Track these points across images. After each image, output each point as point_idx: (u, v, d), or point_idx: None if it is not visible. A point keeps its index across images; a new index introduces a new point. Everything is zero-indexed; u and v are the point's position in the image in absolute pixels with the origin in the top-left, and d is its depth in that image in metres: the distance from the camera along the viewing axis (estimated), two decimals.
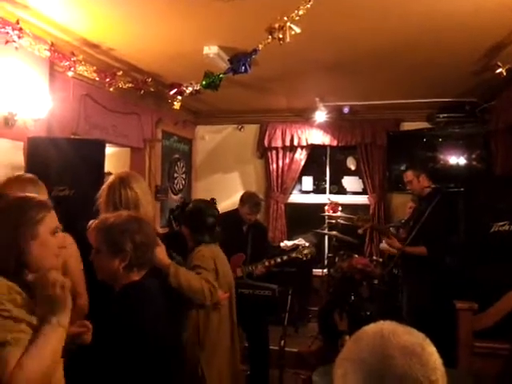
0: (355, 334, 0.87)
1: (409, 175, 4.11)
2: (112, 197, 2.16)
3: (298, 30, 2.38)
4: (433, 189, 3.95)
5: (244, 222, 3.97)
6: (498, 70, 3.48)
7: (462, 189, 3.86)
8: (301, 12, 2.25)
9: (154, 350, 1.67)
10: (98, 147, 3.18)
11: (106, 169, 3.32)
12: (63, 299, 1.36)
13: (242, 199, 3.98)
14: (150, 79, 3.96)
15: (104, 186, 2.23)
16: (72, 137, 3.66)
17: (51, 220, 1.48)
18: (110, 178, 2.27)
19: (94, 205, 2.25)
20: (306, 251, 4.06)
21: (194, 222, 2.69)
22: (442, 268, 3.79)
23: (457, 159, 5.36)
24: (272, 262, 3.89)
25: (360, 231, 4.77)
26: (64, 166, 2.92)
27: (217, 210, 2.82)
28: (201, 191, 6.23)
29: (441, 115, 5.37)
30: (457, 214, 3.78)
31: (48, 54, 3.18)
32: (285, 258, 3.99)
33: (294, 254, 4.06)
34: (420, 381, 0.78)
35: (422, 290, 3.75)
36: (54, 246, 1.47)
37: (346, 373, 0.82)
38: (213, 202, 3.25)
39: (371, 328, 0.86)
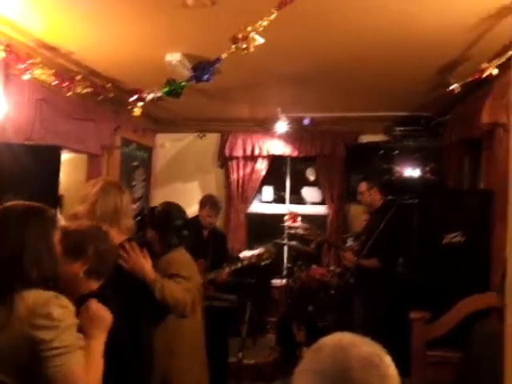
0: (314, 346, 0.87)
1: (362, 186, 4.22)
2: (104, 200, 2.07)
3: (261, 40, 2.39)
4: (386, 201, 4.07)
5: (204, 227, 3.95)
6: (452, 87, 3.61)
7: (416, 201, 3.97)
8: (264, 23, 2.26)
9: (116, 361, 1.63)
10: (54, 153, 3.07)
11: (61, 175, 3.21)
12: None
13: (202, 202, 4.00)
14: (109, 85, 3.88)
15: (95, 190, 2.12)
16: (26, 142, 3.52)
17: None
18: (100, 183, 2.16)
19: None
20: (265, 255, 4.05)
21: (163, 223, 2.63)
22: (395, 278, 3.88)
23: (412, 171, 5.52)
24: (233, 267, 3.86)
25: (312, 246, 4.84)
26: (17, 173, 2.80)
27: (185, 212, 2.77)
28: (160, 199, 6.02)
29: (397, 128, 5.53)
30: (411, 225, 3.89)
31: (3, 55, 3.06)
32: (245, 262, 3.96)
33: (254, 259, 4.04)
34: None
35: (375, 300, 3.83)
36: None
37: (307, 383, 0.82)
38: None
39: (331, 339, 0.87)
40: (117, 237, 2.08)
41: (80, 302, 1.68)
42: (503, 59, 2.92)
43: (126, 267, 2.15)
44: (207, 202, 4.00)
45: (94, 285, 1.74)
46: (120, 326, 1.71)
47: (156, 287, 2.25)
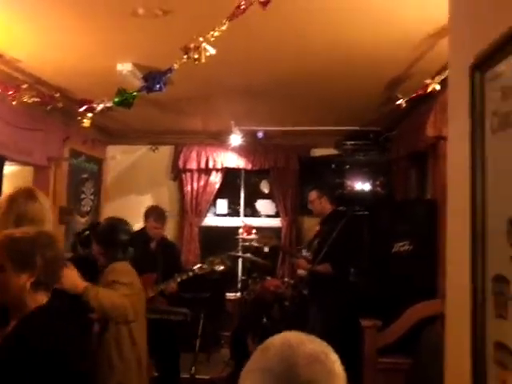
0: (262, 345, 0.88)
1: (312, 195, 4.30)
2: (16, 208, 1.98)
3: (213, 51, 2.39)
4: (337, 211, 4.15)
5: (151, 239, 3.88)
6: (398, 102, 3.75)
7: (365, 212, 4.07)
8: (216, 33, 2.28)
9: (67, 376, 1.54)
10: None
11: (4, 187, 3.07)
12: None
13: (146, 214, 3.94)
14: (57, 94, 3.76)
15: (2, 198, 2.05)
16: None
17: None
18: (12, 191, 2.09)
19: None
20: (216, 261, 4.00)
21: (107, 238, 2.61)
22: (348, 288, 3.95)
23: (362, 185, 5.67)
24: (184, 276, 3.79)
25: (266, 249, 4.85)
26: None
27: (130, 226, 2.74)
28: (111, 213, 5.90)
29: (348, 142, 5.67)
30: (362, 236, 3.98)
31: None
32: (196, 270, 3.89)
33: (205, 266, 3.98)
34: None
35: (329, 310, 3.87)
36: None
37: (254, 382, 0.82)
38: None
39: (278, 338, 0.88)
40: None
41: (29, 318, 1.59)
42: (444, 76, 3.07)
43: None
44: (151, 213, 3.94)
45: (43, 297, 1.62)
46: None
47: (89, 295, 2.16)
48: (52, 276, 1.65)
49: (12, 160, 4.14)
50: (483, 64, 0.95)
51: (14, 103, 3.45)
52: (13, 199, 2.03)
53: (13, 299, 1.60)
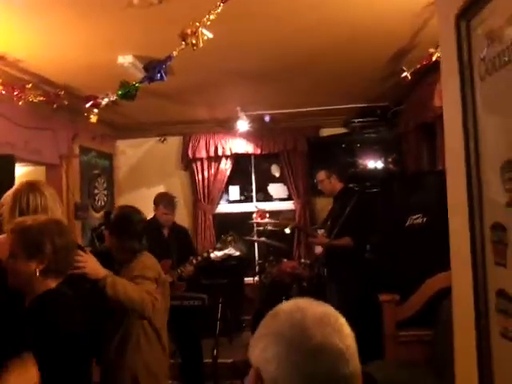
0: (271, 312, 0.90)
1: (321, 175, 4.29)
2: (19, 201, 2.01)
3: (210, 35, 2.39)
4: (345, 188, 4.14)
5: (163, 226, 3.92)
6: (404, 74, 3.70)
7: (376, 189, 4.05)
8: (212, 17, 2.27)
9: (75, 359, 1.58)
10: (7, 163, 2.98)
11: None
12: None
13: (155, 201, 3.97)
14: (62, 92, 3.79)
15: (9, 192, 2.09)
16: None
17: None
18: (16, 185, 2.14)
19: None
20: (229, 239, 4.04)
21: (124, 230, 2.53)
22: (365, 263, 3.95)
23: (375, 163, 5.63)
24: (199, 258, 3.83)
25: (288, 230, 4.87)
26: None
27: (143, 214, 2.71)
28: None
29: (356, 120, 5.63)
30: (374, 211, 3.96)
31: None
32: (211, 251, 3.95)
33: (219, 245, 4.02)
34: (338, 346, 0.82)
35: (347, 286, 3.89)
36: None
37: (266, 346, 0.84)
38: None
39: (287, 304, 0.90)
40: None
41: (38, 300, 1.63)
42: None
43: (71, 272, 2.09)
44: (161, 200, 3.97)
45: (52, 283, 1.66)
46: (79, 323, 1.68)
47: (107, 283, 2.18)
48: (63, 263, 1.67)
49: (23, 160, 4.21)
50: (467, 12, 0.95)
51: (20, 103, 3.51)
52: (16, 193, 2.06)
53: (23, 285, 1.65)
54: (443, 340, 2.97)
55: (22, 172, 4.75)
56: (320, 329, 0.82)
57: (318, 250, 4.57)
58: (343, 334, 0.84)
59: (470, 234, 1.04)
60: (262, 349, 0.85)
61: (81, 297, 1.78)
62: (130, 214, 2.61)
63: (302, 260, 5.34)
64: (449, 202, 1.27)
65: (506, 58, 0.82)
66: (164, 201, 3.95)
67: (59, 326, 1.58)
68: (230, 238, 4.04)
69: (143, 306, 2.30)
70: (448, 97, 1.14)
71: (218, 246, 4.01)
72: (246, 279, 5.72)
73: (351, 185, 4.33)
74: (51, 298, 1.63)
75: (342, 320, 0.87)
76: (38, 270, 1.62)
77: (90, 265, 2.17)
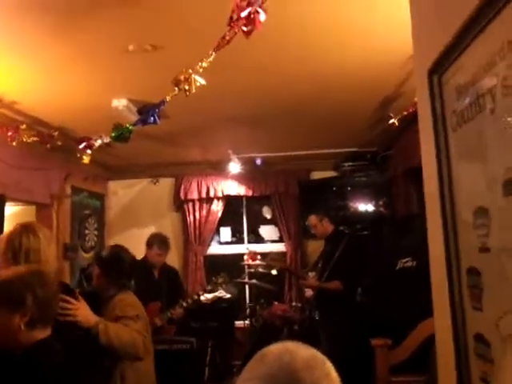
0: (257, 355, 0.88)
1: (312, 219, 4.31)
2: (11, 244, 2.02)
3: (203, 81, 2.47)
4: (336, 230, 4.16)
5: (154, 266, 3.88)
6: (391, 121, 3.81)
7: (366, 232, 4.08)
8: (204, 64, 2.35)
9: None
10: None
11: (7, 228, 3.11)
12: None
13: (148, 242, 3.94)
14: (56, 133, 3.85)
15: (3, 235, 2.09)
16: None
17: None
18: (12, 227, 2.14)
19: None
20: (220, 280, 4.01)
21: (114, 267, 2.58)
22: (355, 306, 3.92)
23: (365, 206, 5.68)
24: (189, 300, 3.78)
25: (274, 271, 4.84)
26: None
27: (132, 254, 2.76)
28: None
29: (346, 164, 5.72)
30: (365, 254, 3.97)
31: None
32: (201, 294, 3.90)
33: (209, 287, 3.99)
34: None
35: (338, 329, 3.84)
36: None
37: None
38: None
39: (274, 346, 0.88)
40: None
41: (28, 353, 1.59)
42: None
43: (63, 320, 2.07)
44: (154, 240, 3.94)
45: (39, 334, 1.62)
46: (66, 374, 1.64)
47: (99, 330, 2.16)
48: (47, 312, 1.64)
49: (14, 200, 4.20)
50: (438, 68, 1.01)
51: (14, 144, 3.55)
52: (10, 235, 2.07)
53: (7, 340, 1.60)
54: None
55: (12, 211, 4.73)
56: (309, 372, 0.82)
57: (308, 292, 4.54)
58: (331, 377, 0.84)
59: (448, 279, 1.06)
60: None
61: (71, 345, 1.75)
62: (122, 253, 2.67)
63: (294, 303, 5.30)
64: (429, 246, 1.30)
65: (474, 111, 0.88)
66: (158, 241, 3.93)
67: (47, 379, 1.54)
68: (220, 280, 4.02)
69: (136, 348, 2.29)
70: (424, 146, 1.19)
71: (209, 287, 3.99)
72: (236, 322, 5.62)
73: (341, 227, 4.35)
74: (39, 350, 1.60)
75: (329, 364, 0.87)
76: (22, 323, 1.58)
77: (82, 312, 2.16)
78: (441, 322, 1.18)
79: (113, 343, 2.20)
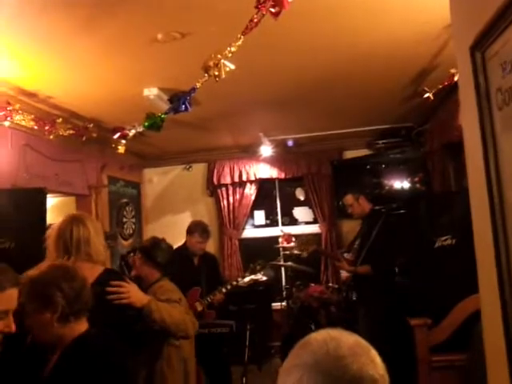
0: (302, 341, 0.88)
1: (349, 199, 4.25)
2: (63, 234, 2.10)
3: (232, 66, 2.45)
4: (373, 209, 4.09)
5: (194, 254, 3.93)
6: (426, 95, 3.70)
7: (403, 210, 4.00)
8: (233, 49, 2.33)
9: None
10: (39, 196, 3.09)
11: (50, 219, 3.22)
12: None
13: (190, 229, 3.96)
14: (91, 125, 3.93)
15: (54, 225, 2.17)
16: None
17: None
18: (62, 217, 2.22)
19: (36, 256, 2.18)
20: (258, 267, 4.05)
21: (154, 255, 2.70)
22: (393, 287, 3.88)
23: (401, 183, 5.57)
24: (229, 286, 3.83)
25: (305, 254, 4.82)
26: (3, 218, 2.80)
27: (170, 245, 2.87)
28: (152, 234, 6.08)
29: (380, 141, 5.61)
30: (402, 233, 3.91)
31: None
32: (240, 280, 3.95)
33: (247, 273, 4.03)
34: (374, 376, 0.82)
35: (376, 310, 3.81)
36: None
37: (302, 377, 0.82)
38: None
39: (318, 333, 0.88)
40: (92, 269, 2.11)
41: (70, 347, 1.64)
42: None
43: (118, 303, 2.14)
44: (196, 228, 3.96)
45: (78, 326, 1.67)
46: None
47: (152, 308, 2.26)
48: (76, 304, 1.67)
49: (54, 192, 4.33)
50: (481, 44, 0.96)
51: (51, 137, 3.65)
52: (60, 226, 2.15)
53: (45, 336, 1.66)
54: (477, 365, 2.87)
55: (53, 203, 4.89)
56: (355, 358, 0.82)
57: (344, 274, 4.53)
58: (377, 363, 0.84)
59: (495, 257, 1.02)
60: (297, 379, 0.82)
61: (121, 328, 1.82)
62: (161, 243, 2.78)
63: (330, 284, 5.29)
64: (474, 223, 1.26)
65: None
66: (199, 229, 3.95)
67: (102, 364, 1.60)
68: (258, 267, 4.05)
69: (187, 326, 2.42)
70: (467, 124, 1.14)
71: (247, 274, 4.01)
72: (273, 304, 5.68)
73: (377, 207, 4.28)
74: (87, 340, 1.66)
75: (373, 350, 0.87)
76: (53, 319, 1.63)
77: (134, 294, 2.24)
78: (488, 301, 1.15)
79: (165, 320, 2.30)
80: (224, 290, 3.79)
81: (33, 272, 1.78)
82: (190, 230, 3.96)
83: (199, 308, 3.64)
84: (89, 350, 1.64)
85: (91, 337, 1.67)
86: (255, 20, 2.10)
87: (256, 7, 2.03)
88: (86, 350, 1.63)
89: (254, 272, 4.02)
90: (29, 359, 1.74)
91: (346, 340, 0.85)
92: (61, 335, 1.65)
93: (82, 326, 1.69)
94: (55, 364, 1.64)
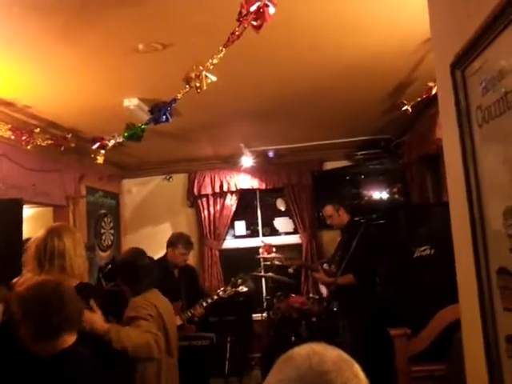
0: (284, 357, 0.87)
1: (328, 210, 4.28)
2: (39, 247, 2.07)
3: (213, 78, 2.46)
4: (352, 220, 4.13)
5: (175, 266, 3.89)
6: (404, 108, 3.77)
7: (382, 221, 4.04)
8: (215, 61, 2.34)
9: None
10: (15, 207, 3.02)
11: (26, 230, 3.15)
12: None
13: (172, 242, 3.91)
14: (69, 135, 3.88)
15: (33, 238, 2.13)
16: None
17: None
18: (39, 233, 2.18)
19: (12, 267, 2.13)
20: (239, 282, 4.03)
21: (127, 274, 2.64)
22: (373, 297, 3.90)
23: (380, 194, 5.63)
24: (209, 300, 3.80)
25: (291, 270, 4.84)
26: None
27: (147, 257, 2.79)
28: (131, 246, 6.02)
29: (359, 153, 5.68)
30: (381, 244, 3.94)
31: None
32: (221, 293, 3.92)
33: (229, 288, 4.00)
34: None
35: (357, 320, 3.83)
36: None
37: None
38: None
39: (301, 348, 0.87)
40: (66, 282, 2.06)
41: (49, 363, 1.64)
42: None
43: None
44: (179, 240, 3.91)
45: (59, 342, 1.68)
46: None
47: (111, 337, 2.20)
48: (55, 324, 1.69)
49: (30, 202, 4.25)
50: (462, 62, 0.97)
51: (28, 147, 3.58)
52: (37, 239, 2.11)
53: (32, 349, 1.71)
54: (455, 375, 2.91)
55: (29, 213, 4.79)
56: (339, 373, 0.81)
57: (323, 290, 4.54)
58: (360, 378, 0.83)
59: (476, 280, 1.04)
60: None
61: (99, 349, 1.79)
62: (135, 258, 2.71)
63: (311, 295, 5.29)
64: (456, 246, 1.27)
65: (502, 108, 0.85)
66: (183, 241, 3.90)
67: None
68: (240, 281, 4.03)
69: (149, 348, 2.32)
70: (448, 143, 1.16)
71: (228, 288, 3.98)
72: (254, 315, 5.65)
73: (357, 218, 4.32)
74: (64, 357, 1.68)
75: (357, 365, 0.86)
76: (28, 337, 1.68)
77: (95, 321, 2.19)
78: (468, 310, 1.16)
79: (126, 347, 2.24)
80: (204, 304, 3.76)
81: (20, 286, 1.77)
82: (173, 242, 3.91)
83: (179, 322, 3.60)
84: (68, 365, 1.65)
85: (70, 354, 1.68)
86: (237, 33, 2.11)
87: (238, 20, 2.04)
88: (64, 366, 1.65)
89: (235, 286, 4.00)
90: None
91: (329, 355, 0.84)
92: (41, 350, 1.68)
93: (64, 342, 1.69)
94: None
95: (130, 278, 2.63)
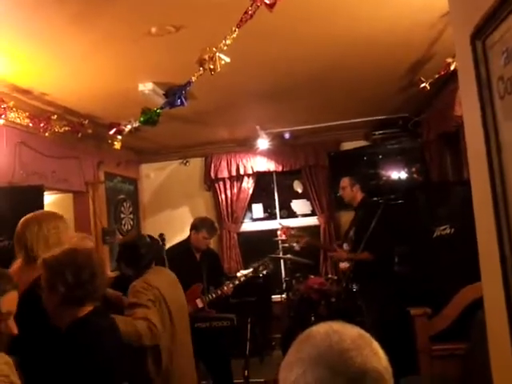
0: (304, 334, 0.86)
1: (344, 182, 4.27)
2: (22, 237, 2.10)
3: (227, 59, 2.43)
4: (367, 198, 4.11)
5: (197, 250, 3.92)
6: (422, 85, 3.69)
7: (400, 201, 4.00)
8: (228, 42, 2.31)
9: None
10: (36, 193, 3.07)
11: None
12: None
13: (196, 225, 3.90)
14: (86, 121, 3.91)
15: (18, 227, 2.17)
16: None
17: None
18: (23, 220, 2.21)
19: None
20: (261, 267, 4.06)
21: (128, 255, 2.69)
22: (393, 277, 3.89)
23: (398, 174, 5.57)
24: (231, 285, 3.83)
25: (297, 247, 4.83)
26: (0, 216, 2.79)
27: (148, 237, 2.82)
28: (150, 230, 6.07)
29: (376, 132, 5.60)
30: (400, 224, 3.91)
31: None
32: (242, 278, 3.95)
33: (251, 273, 4.03)
34: (378, 368, 0.81)
35: (377, 301, 3.82)
36: None
37: (306, 371, 0.80)
38: (161, 237, 3.21)
39: (320, 327, 0.87)
40: (33, 272, 2.03)
41: (67, 332, 1.71)
42: None
43: None
44: (203, 224, 3.91)
45: (79, 311, 1.74)
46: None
47: None
48: (80, 293, 1.73)
49: (51, 189, 4.32)
50: (482, 32, 0.94)
51: (46, 134, 3.62)
52: (25, 225, 2.15)
53: (52, 316, 1.77)
54: (477, 353, 2.89)
55: (50, 200, 4.87)
56: (359, 351, 0.81)
57: (343, 265, 4.53)
58: (380, 356, 0.83)
59: (500, 258, 1.01)
60: (300, 373, 0.81)
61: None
62: (133, 242, 2.74)
63: (329, 275, 5.30)
64: (476, 214, 1.25)
65: None
66: (208, 225, 3.90)
67: (88, 353, 1.65)
68: (261, 267, 4.06)
69: (139, 336, 2.32)
70: (469, 116, 1.13)
71: (250, 273, 4.02)
72: (273, 297, 5.69)
73: (375, 198, 4.28)
74: (78, 327, 1.72)
75: (376, 342, 0.85)
76: (57, 304, 1.73)
77: None
78: (493, 305, 1.13)
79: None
80: (231, 286, 3.80)
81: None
82: (197, 226, 3.91)
83: (200, 305, 3.64)
84: (83, 331, 1.71)
85: (85, 321, 1.73)
86: (250, 12, 2.08)
87: None
88: (79, 332, 1.71)
89: (257, 272, 4.03)
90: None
91: (348, 333, 0.84)
92: (63, 317, 1.73)
93: (84, 311, 1.75)
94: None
95: (131, 258, 2.67)
